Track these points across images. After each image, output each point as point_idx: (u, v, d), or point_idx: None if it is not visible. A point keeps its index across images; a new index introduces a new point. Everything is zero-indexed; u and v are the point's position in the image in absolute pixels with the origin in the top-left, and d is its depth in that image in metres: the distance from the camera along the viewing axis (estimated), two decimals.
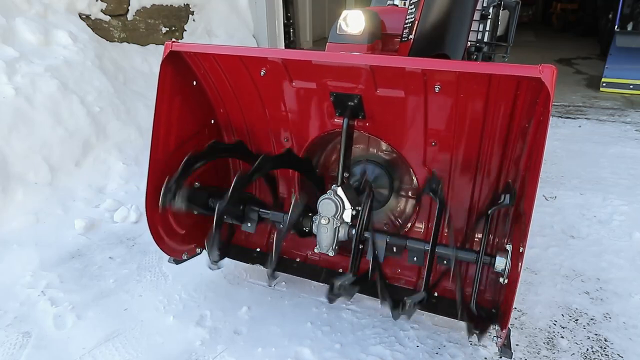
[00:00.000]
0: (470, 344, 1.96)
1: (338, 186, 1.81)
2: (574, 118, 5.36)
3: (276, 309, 2.19)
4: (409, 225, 2.21)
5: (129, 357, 1.91)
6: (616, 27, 6.97)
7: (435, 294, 2.07)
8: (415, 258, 1.81)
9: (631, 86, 6.40)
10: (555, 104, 5.85)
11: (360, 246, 1.81)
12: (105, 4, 4.46)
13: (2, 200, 2.85)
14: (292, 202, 1.83)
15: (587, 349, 1.96)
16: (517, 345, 1.96)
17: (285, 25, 7.69)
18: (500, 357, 1.82)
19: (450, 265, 1.68)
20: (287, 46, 7.84)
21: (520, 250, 1.53)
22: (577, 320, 2.13)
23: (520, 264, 1.51)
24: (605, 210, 3.12)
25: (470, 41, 3.19)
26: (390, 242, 1.81)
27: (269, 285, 2.32)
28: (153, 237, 2.05)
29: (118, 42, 4.60)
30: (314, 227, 1.86)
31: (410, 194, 2.27)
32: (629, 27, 6.99)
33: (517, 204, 1.75)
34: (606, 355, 1.94)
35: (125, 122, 3.82)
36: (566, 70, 8.05)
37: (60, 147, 3.27)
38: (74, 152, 3.35)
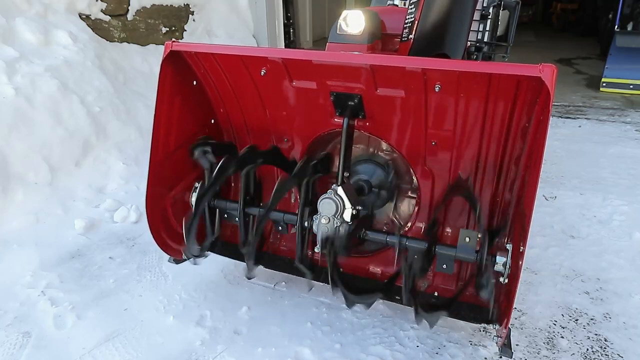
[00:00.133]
0: (470, 344, 1.96)
1: (338, 186, 1.81)
2: (574, 118, 5.36)
3: (276, 309, 2.19)
4: (409, 225, 2.21)
5: (129, 357, 1.91)
6: (616, 27, 6.97)
7: (436, 294, 2.08)
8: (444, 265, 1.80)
9: (631, 86, 6.40)
10: (555, 104, 5.85)
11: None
12: (105, 4, 4.46)
13: (2, 200, 2.85)
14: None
15: (587, 349, 1.96)
16: (517, 345, 1.96)
17: (285, 25, 7.69)
18: (500, 357, 1.82)
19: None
20: (287, 46, 7.84)
21: (521, 250, 1.53)
22: (577, 320, 2.13)
23: (520, 263, 1.51)
24: (605, 210, 3.12)
25: (470, 41, 3.19)
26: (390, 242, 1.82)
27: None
28: (153, 237, 2.05)
29: (118, 42, 4.60)
30: (314, 227, 1.86)
31: (410, 193, 2.27)
32: (629, 27, 6.98)
33: (517, 204, 1.75)
34: (606, 355, 1.94)
35: (125, 122, 3.82)
36: (566, 70, 8.05)
37: (60, 147, 3.27)
38: (74, 152, 3.35)
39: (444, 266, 1.78)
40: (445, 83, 1.65)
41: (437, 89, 1.67)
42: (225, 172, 1.91)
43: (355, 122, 1.93)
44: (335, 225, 1.80)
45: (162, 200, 2.08)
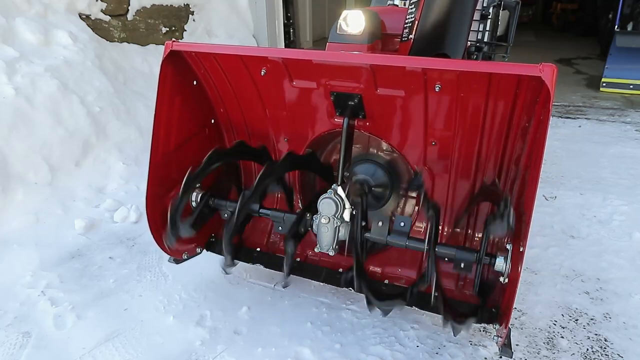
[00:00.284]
0: (470, 344, 1.96)
1: (338, 185, 1.81)
2: (574, 118, 5.36)
3: (276, 309, 2.18)
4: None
5: (129, 357, 1.91)
6: (616, 27, 6.97)
7: (435, 294, 2.07)
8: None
9: (631, 86, 6.40)
10: (555, 104, 5.85)
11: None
12: (105, 4, 4.46)
13: (2, 200, 2.85)
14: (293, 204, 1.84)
15: (587, 349, 1.96)
16: (517, 345, 1.96)
17: (285, 25, 7.69)
18: (500, 357, 1.82)
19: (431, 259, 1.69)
20: (287, 46, 7.84)
21: (521, 250, 1.53)
22: (577, 320, 2.13)
23: (520, 263, 1.51)
24: (605, 210, 3.12)
25: (470, 41, 3.19)
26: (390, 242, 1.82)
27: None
28: (153, 237, 2.05)
29: (118, 42, 4.60)
30: (314, 227, 1.86)
31: (410, 193, 2.27)
32: (629, 27, 6.98)
33: (517, 204, 1.75)
34: (606, 355, 1.94)
35: (125, 122, 3.82)
36: (566, 70, 8.05)
37: (60, 147, 3.27)
38: (74, 152, 3.35)
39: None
40: (446, 83, 1.66)
41: (437, 89, 1.67)
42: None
43: (355, 122, 1.93)
44: (335, 226, 1.80)
45: (162, 200, 2.08)
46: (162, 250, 2.11)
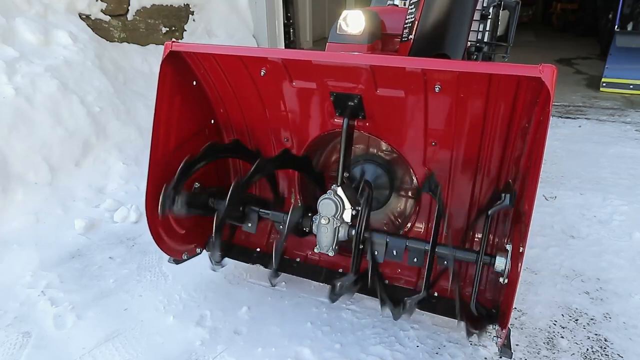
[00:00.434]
0: (470, 344, 1.96)
1: (338, 186, 1.81)
2: (574, 118, 5.36)
3: (276, 309, 2.19)
4: (408, 225, 2.21)
5: (129, 357, 1.91)
6: (616, 27, 6.97)
7: (435, 294, 2.08)
8: (415, 259, 1.81)
9: (631, 86, 6.40)
10: (555, 104, 5.85)
11: (361, 246, 1.81)
12: (105, 4, 4.46)
13: (2, 200, 2.85)
14: (292, 204, 1.84)
15: (587, 349, 1.96)
16: (517, 345, 1.96)
17: (285, 25, 7.69)
18: (500, 357, 1.82)
19: (449, 265, 1.68)
20: (287, 46, 7.84)
21: (520, 250, 1.53)
22: (577, 320, 2.13)
23: (520, 264, 1.51)
24: (605, 210, 3.12)
25: (470, 41, 3.19)
26: (390, 242, 1.81)
27: (272, 285, 2.32)
28: (153, 237, 2.05)
29: (118, 42, 4.60)
30: (314, 227, 1.86)
31: (410, 194, 2.27)
32: (629, 27, 6.98)
33: (517, 204, 1.75)
34: (606, 355, 1.94)
35: (125, 122, 3.82)
36: (566, 70, 8.05)
37: (60, 147, 3.27)
38: (74, 152, 3.35)
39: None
40: (445, 83, 1.65)
41: (437, 90, 1.67)
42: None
43: (355, 123, 1.93)
44: (335, 226, 1.80)
45: None
46: (162, 250, 2.11)
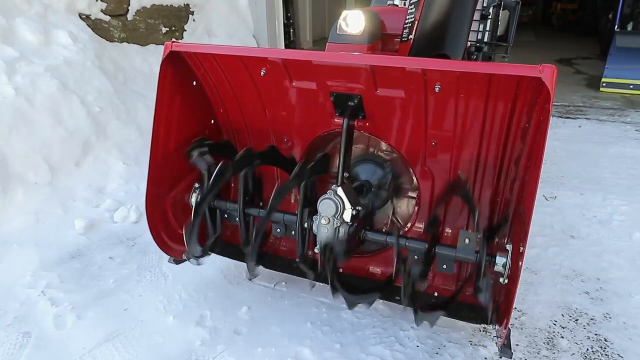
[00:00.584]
0: (470, 344, 1.96)
1: (338, 186, 1.81)
2: (574, 118, 5.36)
3: (276, 309, 2.19)
4: (408, 225, 2.21)
5: (129, 357, 1.91)
6: (616, 27, 6.97)
7: (435, 294, 2.08)
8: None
9: (631, 86, 6.40)
10: (555, 104, 5.85)
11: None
12: (105, 4, 4.46)
13: (2, 200, 2.85)
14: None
15: (587, 349, 1.96)
16: (517, 345, 1.96)
17: (285, 25, 7.68)
18: (500, 357, 1.82)
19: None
20: (287, 46, 7.84)
21: (520, 250, 1.53)
22: (577, 320, 2.13)
23: (520, 264, 1.51)
24: (605, 210, 3.12)
25: (470, 41, 3.19)
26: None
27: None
28: (153, 237, 2.05)
29: (118, 42, 4.60)
30: (314, 227, 1.86)
31: (410, 194, 2.27)
32: (629, 27, 6.98)
33: (517, 204, 1.75)
34: (606, 355, 1.94)
35: (125, 122, 3.82)
36: (566, 70, 8.05)
37: (60, 147, 3.27)
38: (74, 152, 3.35)
39: (444, 266, 1.78)
40: (445, 83, 1.65)
41: (437, 90, 1.67)
42: (223, 177, 1.90)
43: (355, 123, 1.92)
44: (335, 226, 1.80)
45: (162, 200, 2.08)
46: (162, 250, 2.11)
